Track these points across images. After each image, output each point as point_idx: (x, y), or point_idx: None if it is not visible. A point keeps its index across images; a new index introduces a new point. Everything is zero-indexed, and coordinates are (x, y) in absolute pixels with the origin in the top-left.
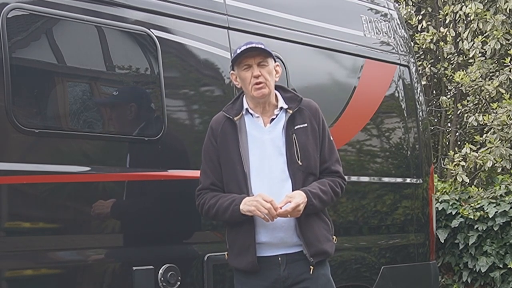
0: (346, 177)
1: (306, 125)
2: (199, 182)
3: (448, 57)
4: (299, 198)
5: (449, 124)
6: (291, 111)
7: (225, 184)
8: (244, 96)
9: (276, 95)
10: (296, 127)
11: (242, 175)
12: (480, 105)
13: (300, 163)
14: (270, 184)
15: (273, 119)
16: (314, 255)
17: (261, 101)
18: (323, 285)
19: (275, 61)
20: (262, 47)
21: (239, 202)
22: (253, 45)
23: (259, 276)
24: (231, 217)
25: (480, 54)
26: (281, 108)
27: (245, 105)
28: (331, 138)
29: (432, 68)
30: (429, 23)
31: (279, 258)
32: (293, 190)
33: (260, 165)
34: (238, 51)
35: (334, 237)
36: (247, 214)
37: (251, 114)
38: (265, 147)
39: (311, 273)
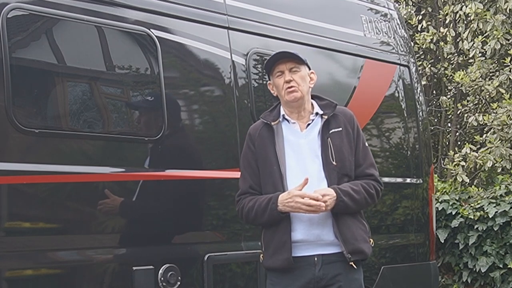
0: None
1: (340, 129)
2: (238, 188)
3: (448, 57)
4: (327, 190)
5: (449, 124)
6: (326, 116)
7: (262, 186)
8: (281, 105)
9: (312, 103)
10: (331, 131)
11: (278, 175)
12: (480, 105)
13: (335, 164)
14: (306, 185)
15: (309, 124)
16: (352, 252)
17: (294, 105)
18: None
19: (309, 68)
20: (292, 52)
21: (276, 200)
22: (285, 51)
23: (293, 276)
24: (270, 217)
25: (480, 54)
26: (317, 113)
27: (282, 112)
28: (366, 144)
29: (432, 68)
30: (429, 23)
31: (315, 258)
32: None
33: (296, 167)
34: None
35: (371, 239)
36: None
37: (288, 121)
38: (301, 150)
39: (350, 271)
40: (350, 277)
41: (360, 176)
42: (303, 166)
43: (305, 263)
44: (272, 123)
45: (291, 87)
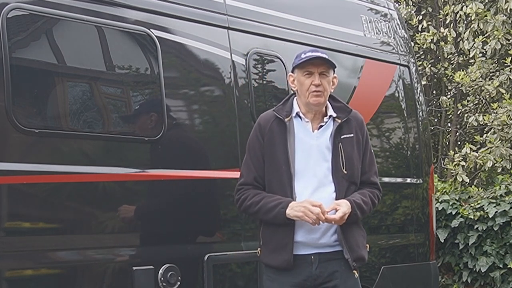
0: None
1: (352, 135)
2: (240, 176)
3: (448, 57)
4: (346, 207)
5: (449, 124)
6: (339, 121)
7: (267, 182)
8: (295, 99)
9: (326, 104)
10: (342, 137)
11: (287, 176)
12: (480, 105)
13: (345, 172)
14: (313, 188)
15: (321, 126)
16: (356, 260)
17: (315, 108)
18: (352, 285)
19: (334, 72)
20: (328, 58)
21: (286, 206)
22: (320, 54)
23: (291, 273)
24: (274, 219)
25: (480, 54)
26: (330, 116)
27: (296, 108)
28: (372, 151)
29: (432, 68)
30: (429, 23)
31: (312, 257)
32: (336, 197)
33: (304, 168)
34: (303, 56)
35: (367, 245)
36: (293, 218)
37: (301, 118)
38: (311, 152)
39: (346, 268)
40: (346, 274)
41: (366, 183)
42: (311, 169)
43: (302, 261)
44: (285, 119)
45: (319, 91)
